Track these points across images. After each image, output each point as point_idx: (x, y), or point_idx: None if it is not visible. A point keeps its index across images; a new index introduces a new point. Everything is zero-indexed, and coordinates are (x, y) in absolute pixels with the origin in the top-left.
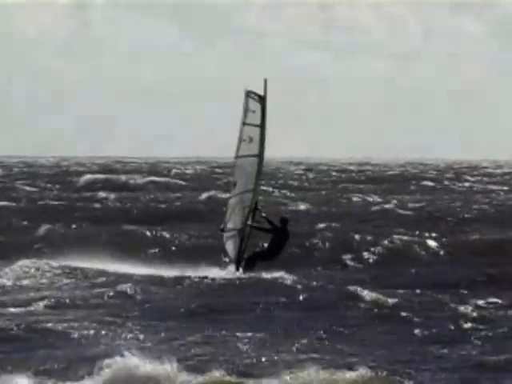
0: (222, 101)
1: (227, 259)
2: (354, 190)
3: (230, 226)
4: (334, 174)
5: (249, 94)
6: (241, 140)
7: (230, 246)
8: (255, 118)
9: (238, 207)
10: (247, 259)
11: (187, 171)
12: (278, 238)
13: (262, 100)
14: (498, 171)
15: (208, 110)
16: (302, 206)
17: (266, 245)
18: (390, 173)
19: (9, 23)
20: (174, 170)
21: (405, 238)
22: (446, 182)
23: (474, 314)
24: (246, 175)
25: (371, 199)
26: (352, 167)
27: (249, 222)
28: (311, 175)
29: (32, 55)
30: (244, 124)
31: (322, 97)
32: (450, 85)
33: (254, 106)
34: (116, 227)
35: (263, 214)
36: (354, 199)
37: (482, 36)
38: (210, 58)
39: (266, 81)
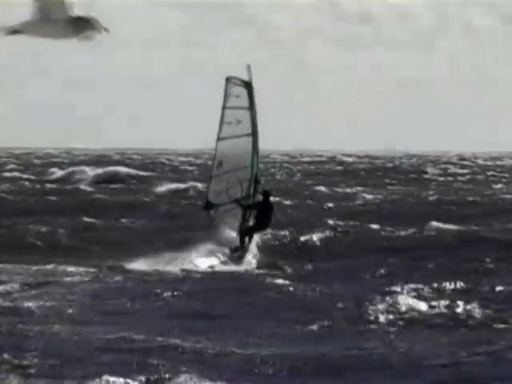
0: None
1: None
2: (330, 183)
3: (220, 201)
4: (326, 167)
5: (229, 79)
6: (222, 123)
7: (231, 221)
8: (240, 102)
9: (233, 183)
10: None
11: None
12: (263, 211)
13: (247, 85)
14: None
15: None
16: None
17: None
18: (388, 165)
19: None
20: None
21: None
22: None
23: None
24: (237, 154)
25: (340, 190)
26: (351, 159)
27: (239, 197)
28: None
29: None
30: (225, 108)
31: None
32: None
33: (237, 90)
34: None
35: (261, 189)
36: (319, 189)
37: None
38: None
39: (249, 66)
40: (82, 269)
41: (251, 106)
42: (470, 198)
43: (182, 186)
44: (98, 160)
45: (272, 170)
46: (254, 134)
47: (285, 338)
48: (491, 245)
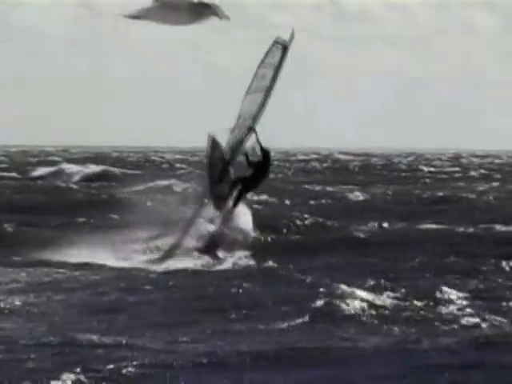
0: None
1: None
2: (322, 181)
3: (228, 148)
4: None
5: (276, 41)
6: (254, 78)
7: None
8: (273, 61)
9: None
10: (235, 198)
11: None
12: (259, 171)
13: (284, 48)
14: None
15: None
16: None
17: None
18: (382, 163)
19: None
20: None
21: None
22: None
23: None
24: (252, 107)
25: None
26: (347, 157)
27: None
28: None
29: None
30: (259, 66)
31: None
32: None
33: (276, 51)
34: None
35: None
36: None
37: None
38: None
39: (293, 31)
40: (66, 269)
41: (278, 65)
42: (461, 195)
43: (167, 182)
44: (94, 158)
45: None
46: (269, 89)
47: (264, 332)
48: (476, 241)
